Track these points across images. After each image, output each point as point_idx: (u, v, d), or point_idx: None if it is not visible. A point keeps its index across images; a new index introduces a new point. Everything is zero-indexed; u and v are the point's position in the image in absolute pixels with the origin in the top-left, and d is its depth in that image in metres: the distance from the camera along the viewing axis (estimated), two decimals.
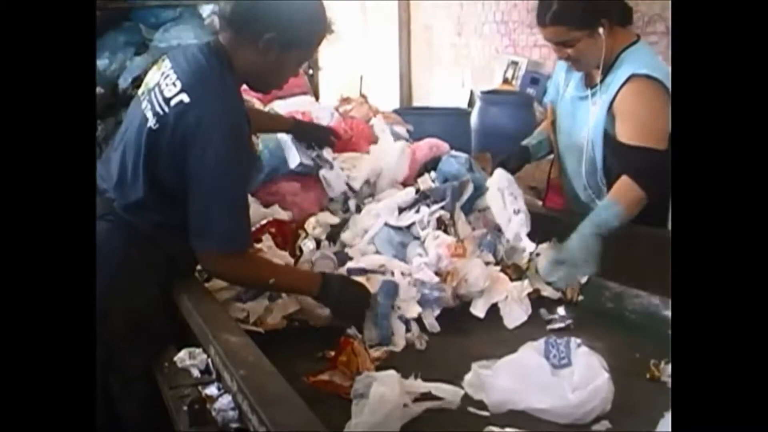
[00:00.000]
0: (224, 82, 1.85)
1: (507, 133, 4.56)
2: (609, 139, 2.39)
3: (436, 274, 2.11)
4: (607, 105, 2.37)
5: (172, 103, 1.80)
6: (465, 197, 2.40)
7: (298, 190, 2.54)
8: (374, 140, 2.89)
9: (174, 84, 1.83)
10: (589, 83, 2.48)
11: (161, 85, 1.86)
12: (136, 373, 1.88)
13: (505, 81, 6.68)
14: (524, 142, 2.80)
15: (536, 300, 2.18)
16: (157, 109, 1.82)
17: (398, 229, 2.27)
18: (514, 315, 2.08)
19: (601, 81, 2.40)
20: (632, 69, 2.28)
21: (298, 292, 1.98)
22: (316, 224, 2.39)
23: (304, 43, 1.93)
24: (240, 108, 1.92)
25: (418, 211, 2.29)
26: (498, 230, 2.35)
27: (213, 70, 1.86)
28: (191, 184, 1.78)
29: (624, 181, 2.27)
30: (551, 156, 2.81)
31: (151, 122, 1.82)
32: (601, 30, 2.32)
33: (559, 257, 2.23)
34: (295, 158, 2.53)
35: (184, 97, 1.80)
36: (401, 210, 2.31)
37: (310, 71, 4.89)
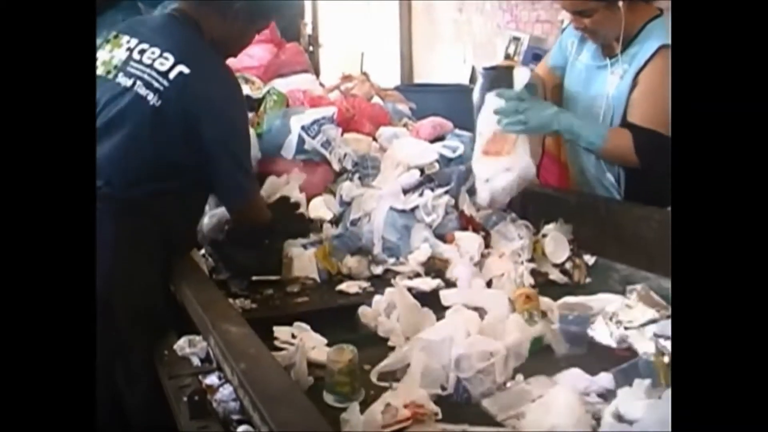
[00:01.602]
0: (210, 49, 1.96)
1: None
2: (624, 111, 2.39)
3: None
4: (633, 75, 2.36)
5: (171, 76, 1.84)
6: (471, 182, 2.39)
7: (303, 170, 2.54)
8: (377, 119, 2.86)
9: (164, 57, 1.87)
10: (608, 53, 2.47)
11: (145, 60, 1.88)
12: (139, 362, 1.86)
13: (507, 57, 6.62)
14: None
15: (543, 285, 2.16)
16: (156, 85, 1.84)
17: (402, 212, 2.27)
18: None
19: (622, 51, 2.40)
20: (662, 40, 2.28)
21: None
22: (321, 205, 2.42)
23: (270, 14, 2.12)
24: (231, 70, 2.04)
25: (422, 195, 2.30)
26: (503, 210, 2.35)
27: (196, 38, 1.95)
28: (212, 150, 1.90)
29: (625, 136, 2.32)
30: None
31: (153, 100, 1.84)
32: (620, 3, 2.30)
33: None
34: (290, 149, 2.53)
35: (183, 69, 1.85)
36: (405, 192, 2.31)
37: (311, 48, 4.84)
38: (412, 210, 2.28)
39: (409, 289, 2.06)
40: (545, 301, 1.95)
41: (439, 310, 1.96)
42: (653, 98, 2.30)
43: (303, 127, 2.52)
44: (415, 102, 3.29)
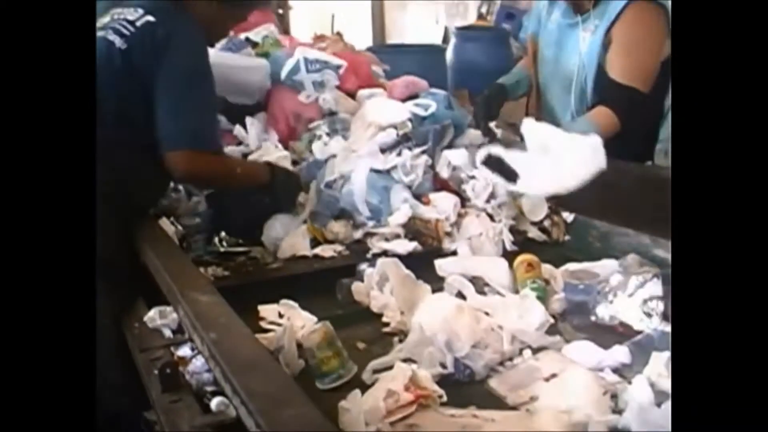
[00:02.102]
0: (183, 9, 1.98)
1: (483, 69, 4.47)
2: (600, 67, 2.35)
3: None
4: (604, 30, 2.31)
5: (138, 24, 1.90)
6: (447, 140, 2.34)
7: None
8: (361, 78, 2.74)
9: (136, 10, 1.93)
10: (579, 10, 2.42)
11: (120, 16, 1.94)
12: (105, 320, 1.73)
13: (480, 17, 6.52)
14: (501, 80, 2.74)
15: (524, 242, 2.14)
16: (124, 31, 1.89)
17: (381, 173, 2.19)
18: (485, 252, 2.03)
19: (594, 6, 2.35)
20: None
21: (254, 182, 2.11)
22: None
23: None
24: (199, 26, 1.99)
25: (399, 154, 2.21)
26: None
27: (173, 3, 1.99)
28: (163, 90, 1.86)
29: (603, 109, 2.30)
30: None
31: (119, 43, 1.88)
32: None
33: None
34: (285, 70, 2.55)
35: (150, 18, 1.91)
36: (382, 152, 2.23)
37: (280, 11, 4.66)
38: (390, 170, 2.20)
39: (385, 252, 2.01)
40: (547, 268, 1.82)
41: (435, 281, 1.83)
42: (629, 53, 2.28)
43: (306, 59, 2.54)
44: (388, 63, 3.16)
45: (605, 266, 1.81)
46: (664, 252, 1.92)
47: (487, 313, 1.63)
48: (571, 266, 1.85)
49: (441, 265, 1.88)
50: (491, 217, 2.16)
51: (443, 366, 1.48)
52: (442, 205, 2.14)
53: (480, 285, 1.81)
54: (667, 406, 1.26)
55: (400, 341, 1.62)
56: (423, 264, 1.89)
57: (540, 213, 2.21)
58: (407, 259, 1.90)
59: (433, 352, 1.49)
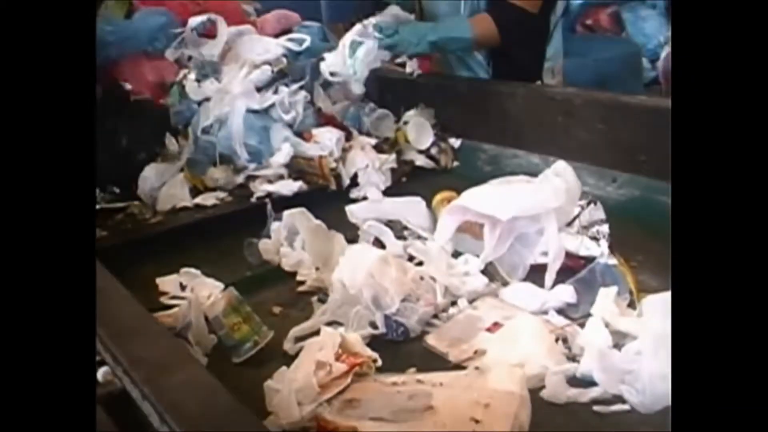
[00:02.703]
0: None
1: None
2: None
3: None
4: None
5: None
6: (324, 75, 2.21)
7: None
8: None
9: None
10: None
11: None
12: None
13: None
14: None
15: (412, 172, 2.12)
16: None
17: (259, 112, 2.07)
18: (372, 184, 1.98)
19: None
20: None
21: None
22: None
23: None
24: None
25: (276, 92, 2.11)
26: (361, 101, 2.24)
27: None
28: None
29: (486, 17, 2.22)
30: None
31: None
32: None
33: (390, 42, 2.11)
34: None
35: None
36: (258, 91, 2.11)
37: None
38: (268, 109, 2.08)
39: (269, 195, 1.90)
40: None
41: (347, 228, 1.66)
42: None
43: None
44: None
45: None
46: None
47: (416, 262, 1.48)
48: None
49: (352, 210, 1.71)
50: (377, 149, 2.09)
51: (373, 326, 1.32)
52: (325, 140, 2.04)
53: (398, 229, 1.65)
54: (629, 347, 1.15)
55: (320, 301, 1.46)
56: (315, 203, 1.76)
57: (426, 140, 2.17)
58: (294, 199, 1.82)
59: (360, 312, 1.33)
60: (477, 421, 1.04)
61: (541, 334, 1.23)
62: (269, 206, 1.73)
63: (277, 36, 2.33)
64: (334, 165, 2.00)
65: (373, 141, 2.13)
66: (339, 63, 2.09)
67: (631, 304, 1.31)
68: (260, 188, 1.96)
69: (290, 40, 2.25)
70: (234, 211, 1.90)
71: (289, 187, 1.94)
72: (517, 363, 1.17)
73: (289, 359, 1.27)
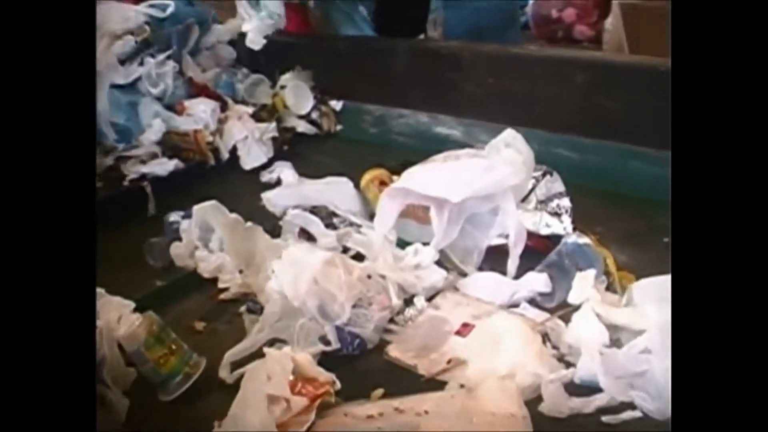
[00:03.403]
0: None
1: None
2: None
3: None
4: None
5: None
6: (192, 41, 2.10)
7: None
8: None
9: None
10: None
11: None
12: None
13: None
14: None
15: (295, 138, 2.01)
16: None
17: (122, 87, 1.90)
18: (253, 156, 1.86)
19: None
20: None
21: None
22: None
23: None
24: None
25: (142, 64, 1.94)
26: (232, 66, 2.13)
27: None
28: None
29: None
30: None
31: None
32: None
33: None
34: None
35: None
36: (122, 64, 1.92)
37: None
38: (134, 83, 1.91)
39: (143, 176, 1.74)
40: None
41: (263, 218, 1.46)
42: None
43: None
44: None
45: None
46: (446, 129, 1.85)
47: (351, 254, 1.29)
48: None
49: (269, 198, 1.50)
50: (256, 117, 1.97)
51: (324, 341, 1.12)
52: (199, 112, 1.90)
53: (324, 216, 1.45)
54: (633, 344, 1.01)
55: (250, 311, 1.25)
56: (196, 181, 1.67)
57: (306, 105, 2.08)
58: (171, 180, 1.71)
59: (305, 325, 1.13)
60: None
61: (524, 334, 1.07)
62: (149, 189, 1.60)
63: (137, 2, 2.11)
64: (210, 138, 1.87)
65: (251, 109, 2.00)
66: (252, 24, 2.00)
67: (609, 288, 1.18)
68: (132, 170, 1.78)
69: (152, 6, 2.02)
70: (106, 198, 1.65)
71: (164, 166, 1.79)
72: (506, 374, 1.00)
73: (227, 390, 1.06)
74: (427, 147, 1.69)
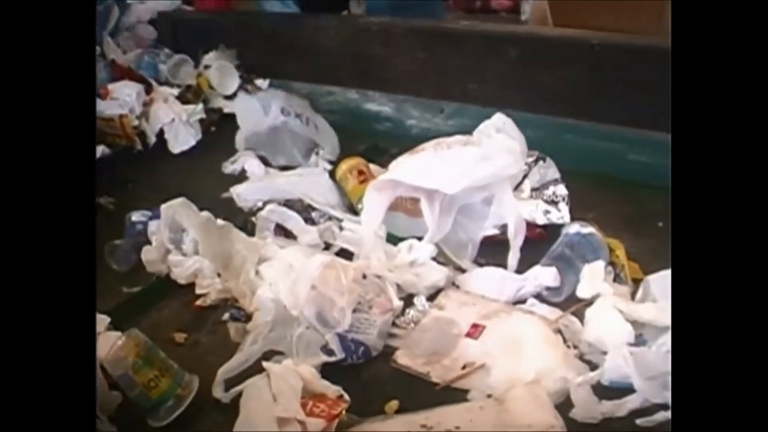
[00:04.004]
0: None
1: None
2: None
3: None
4: None
5: None
6: (113, 22, 2.07)
7: None
8: None
9: None
10: None
11: None
12: None
13: None
14: None
15: (222, 120, 1.93)
16: None
17: None
18: (181, 139, 1.81)
19: None
20: None
21: None
22: None
23: None
24: None
25: None
26: (154, 47, 2.09)
27: None
28: None
29: None
30: None
31: None
32: None
33: None
34: None
35: None
36: None
37: None
38: None
39: None
40: (380, 171, 1.40)
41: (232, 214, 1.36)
42: None
43: None
44: None
45: None
46: (377, 105, 1.82)
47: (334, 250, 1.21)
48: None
49: (240, 193, 1.39)
50: (181, 99, 1.91)
51: (326, 350, 1.04)
52: (124, 96, 1.82)
53: (299, 210, 1.35)
54: (661, 342, 0.97)
55: (234, 319, 1.15)
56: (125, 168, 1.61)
57: (231, 85, 2.01)
58: (98, 167, 1.51)
59: (304, 335, 1.05)
60: None
61: (545, 335, 1.02)
62: None
63: None
64: (136, 123, 1.81)
65: (176, 91, 1.93)
66: None
67: (617, 279, 1.13)
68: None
69: None
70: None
71: None
72: (532, 380, 0.94)
73: (223, 411, 0.98)
74: (358, 124, 1.78)
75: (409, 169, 1.23)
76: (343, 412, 0.92)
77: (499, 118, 1.28)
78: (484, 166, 1.18)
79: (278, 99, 1.69)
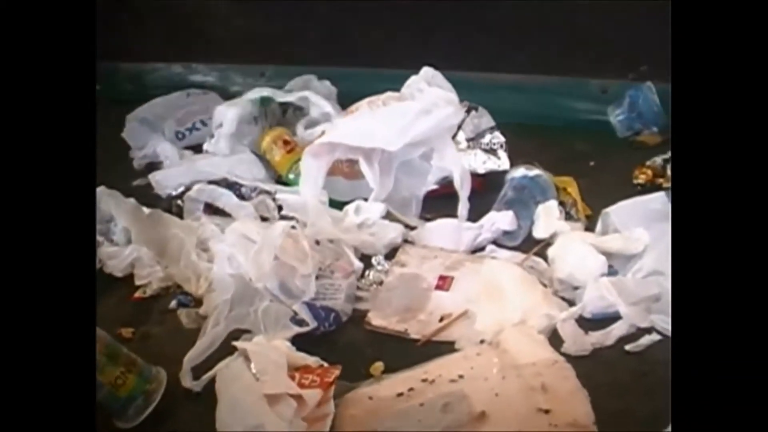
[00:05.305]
0: None
1: None
2: None
3: None
4: None
5: None
6: None
7: None
8: None
9: None
10: None
11: None
12: None
13: None
14: None
15: None
16: None
17: None
18: None
19: None
20: None
21: None
22: None
23: None
24: None
25: None
26: None
27: None
28: None
29: None
30: None
31: None
32: None
33: None
34: None
35: None
36: None
37: None
38: None
39: None
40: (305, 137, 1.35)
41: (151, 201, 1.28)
42: None
43: None
44: None
45: None
46: (201, 77, 1.79)
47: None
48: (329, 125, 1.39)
49: (159, 180, 1.30)
50: None
51: (296, 321, 0.99)
52: None
53: (226, 187, 1.28)
54: (636, 269, 0.98)
55: (182, 305, 1.08)
56: None
57: None
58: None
59: (270, 308, 0.99)
60: (546, 411, 0.79)
61: (520, 277, 1.00)
62: None
63: None
64: None
65: None
66: None
67: (568, 217, 1.13)
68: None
69: None
70: None
71: None
72: (519, 321, 0.93)
73: (197, 400, 0.91)
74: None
75: (347, 130, 1.18)
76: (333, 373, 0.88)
77: (427, 72, 1.25)
78: (425, 119, 1.15)
79: None
